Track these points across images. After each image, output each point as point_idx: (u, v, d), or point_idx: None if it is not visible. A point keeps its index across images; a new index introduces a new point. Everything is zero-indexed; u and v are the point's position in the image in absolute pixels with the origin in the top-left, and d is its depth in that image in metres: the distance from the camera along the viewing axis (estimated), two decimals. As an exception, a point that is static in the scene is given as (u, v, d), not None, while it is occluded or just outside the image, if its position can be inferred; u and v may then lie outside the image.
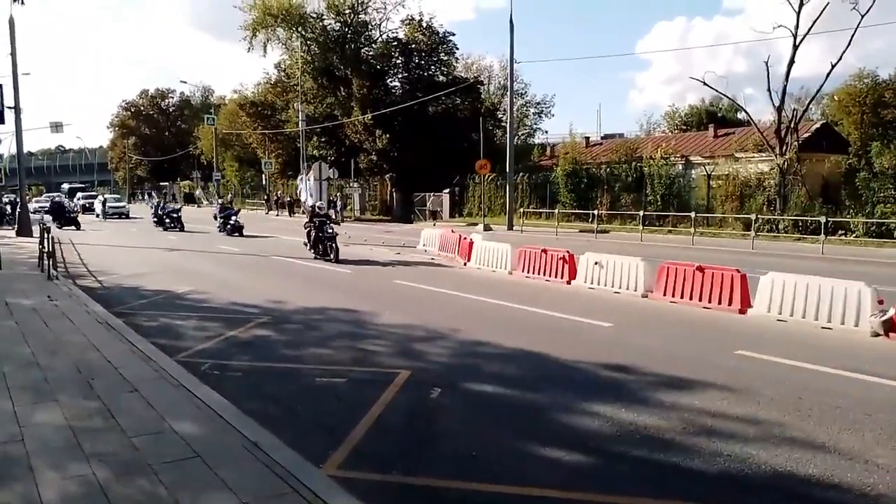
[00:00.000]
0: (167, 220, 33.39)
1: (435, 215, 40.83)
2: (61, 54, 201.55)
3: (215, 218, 31.74)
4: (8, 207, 38.05)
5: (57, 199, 47.59)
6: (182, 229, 32.29)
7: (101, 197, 51.79)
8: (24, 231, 26.61)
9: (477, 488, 4.66)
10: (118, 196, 55.87)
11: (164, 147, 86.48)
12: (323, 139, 48.94)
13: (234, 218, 29.88)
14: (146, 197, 64.45)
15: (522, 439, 5.60)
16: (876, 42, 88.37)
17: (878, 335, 8.94)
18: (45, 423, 5.45)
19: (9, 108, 26.11)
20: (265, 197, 56.40)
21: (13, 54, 26.33)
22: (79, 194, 62.00)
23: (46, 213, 36.49)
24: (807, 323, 9.69)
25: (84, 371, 6.98)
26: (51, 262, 14.71)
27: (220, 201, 38.59)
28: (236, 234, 28.94)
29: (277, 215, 48.92)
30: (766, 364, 7.76)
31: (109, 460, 4.70)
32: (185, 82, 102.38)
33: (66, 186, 79.17)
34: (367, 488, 4.54)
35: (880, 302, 9.24)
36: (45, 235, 15.13)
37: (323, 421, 6.00)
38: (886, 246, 21.13)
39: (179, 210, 35.81)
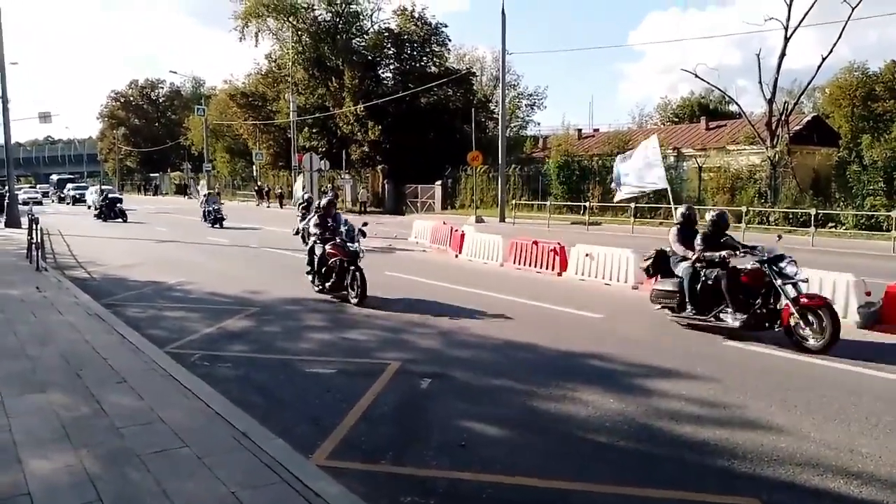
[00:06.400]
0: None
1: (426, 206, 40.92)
2: (49, 43, 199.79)
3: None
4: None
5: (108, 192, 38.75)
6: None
7: (91, 188, 51.34)
8: (12, 222, 26.41)
9: (466, 477, 4.67)
10: (111, 188, 55.48)
11: (153, 138, 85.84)
12: (314, 130, 48.74)
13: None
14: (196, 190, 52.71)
15: (512, 429, 5.62)
16: (869, 35, 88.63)
17: (865, 327, 9.00)
18: (33, 414, 5.43)
19: (-4, 97, 25.88)
20: (255, 188, 56.05)
21: (-1, 43, 26.01)
22: (69, 185, 61.51)
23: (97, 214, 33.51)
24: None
25: (72, 362, 6.95)
26: (39, 254, 14.62)
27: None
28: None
29: (268, 207, 48.63)
30: (754, 355, 7.81)
31: (97, 450, 4.69)
32: (174, 72, 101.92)
33: (54, 177, 78.61)
34: (356, 478, 4.55)
35: (868, 294, 9.30)
36: (34, 227, 15.03)
37: (312, 411, 6.00)
38: (875, 238, 21.26)
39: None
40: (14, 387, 6.12)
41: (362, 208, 40.98)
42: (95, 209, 34.49)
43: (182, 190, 72.66)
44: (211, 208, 29.12)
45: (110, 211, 32.65)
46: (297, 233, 17.06)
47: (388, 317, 10.00)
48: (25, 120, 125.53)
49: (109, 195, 35.28)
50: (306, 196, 19.76)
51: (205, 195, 32.16)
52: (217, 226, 28.31)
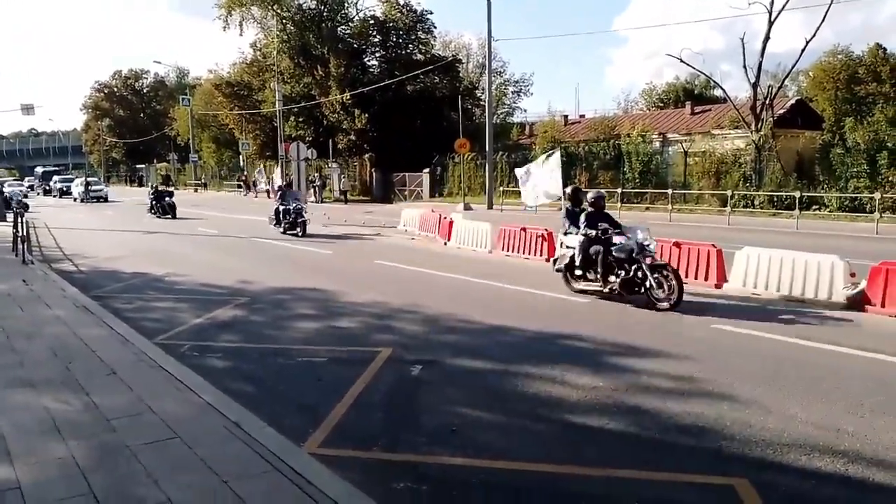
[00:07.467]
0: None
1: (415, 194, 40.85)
2: (31, 34, 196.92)
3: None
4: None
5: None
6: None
7: (77, 181, 50.88)
8: (-3, 215, 26.16)
9: (457, 462, 4.71)
10: (97, 179, 54.93)
11: (139, 129, 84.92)
12: (300, 119, 48.35)
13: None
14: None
15: (502, 413, 5.66)
16: (852, 18, 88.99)
17: (850, 308, 9.11)
18: (23, 408, 5.41)
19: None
20: (242, 178, 55.65)
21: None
22: (55, 177, 60.78)
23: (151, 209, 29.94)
24: (781, 296, 9.85)
25: (61, 355, 6.92)
26: (25, 247, 14.49)
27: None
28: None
29: (256, 197, 48.27)
30: (740, 337, 7.89)
31: (88, 443, 4.68)
32: (158, 62, 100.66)
33: (39, 170, 77.67)
34: (348, 465, 4.57)
35: (852, 275, 9.42)
36: (19, 219, 14.88)
37: (304, 400, 6.02)
38: (859, 220, 21.44)
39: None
40: (2, 381, 6.09)
41: (345, 197, 40.80)
42: (149, 206, 30.02)
43: (167, 181, 71.92)
44: (290, 207, 20.43)
45: (159, 206, 29.11)
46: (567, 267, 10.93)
47: (378, 304, 10.00)
48: (8, 112, 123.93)
49: (159, 188, 30.98)
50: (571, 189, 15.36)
51: (279, 187, 23.72)
52: (296, 231, 20.07)
